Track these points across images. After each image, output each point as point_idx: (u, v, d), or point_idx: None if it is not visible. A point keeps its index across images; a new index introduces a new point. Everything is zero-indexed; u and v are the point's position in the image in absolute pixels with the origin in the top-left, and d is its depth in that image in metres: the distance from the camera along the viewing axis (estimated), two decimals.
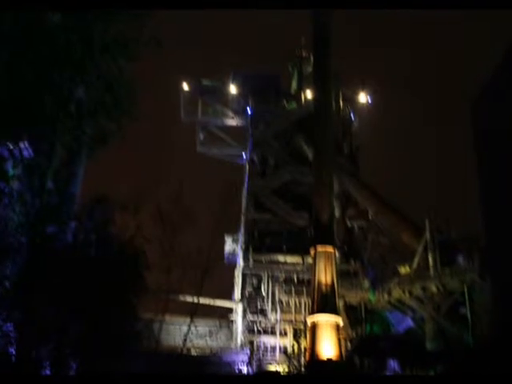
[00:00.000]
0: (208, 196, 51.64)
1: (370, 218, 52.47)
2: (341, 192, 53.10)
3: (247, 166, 58.58)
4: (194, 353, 45.97)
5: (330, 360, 36.07)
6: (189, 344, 42.23)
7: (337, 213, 50.13)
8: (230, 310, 51.81)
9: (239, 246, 54.39)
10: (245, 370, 42.86)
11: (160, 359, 36.01)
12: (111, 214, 21.17)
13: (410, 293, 42.24)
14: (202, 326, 45.89)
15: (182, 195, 39.49)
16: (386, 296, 43.85)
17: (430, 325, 40.98)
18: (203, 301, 46.05)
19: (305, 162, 54.58)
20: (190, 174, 65.84)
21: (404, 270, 44.23)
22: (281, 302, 49.83)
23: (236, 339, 49.36)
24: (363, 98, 62.02)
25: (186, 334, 40.80)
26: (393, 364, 35.58)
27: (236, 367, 42.57)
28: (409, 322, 44.47)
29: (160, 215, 38.67)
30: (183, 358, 40.81)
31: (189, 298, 43.18)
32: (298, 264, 51.00)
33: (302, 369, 42.15)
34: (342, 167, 53.75)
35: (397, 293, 42.99)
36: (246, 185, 56.42)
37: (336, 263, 40.57)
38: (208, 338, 47.06)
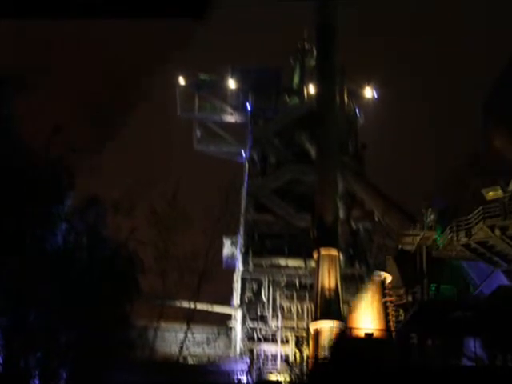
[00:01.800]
0: (206, 196, 51.76)
1: (376, 219, 52.39)
2: (345, 192, 53.02)
3: (247, 165, 58.54)
4: (190, 361, 46.03)
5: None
6: (185, 352, 42.29)
7: (341, 214, 50.05)
8: (229, 317, 51.78)
9: (238, 249, 54.35)
10: (244, 379, 42.85)
11: (155, 368, 36.07)
12: (104, 215, 21.18)
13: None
14: (199, 333, 45.93)
15: (177, 195, 39.81)
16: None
17: None
18: (200, 306, 46.08)
19: (307, 161, 54.46)
20: (186, 172, 65.58)
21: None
22: (282, 307, 49.79)
23: (235, 347, 49.33)
24: (369, 92, 61.94)
25: (183, 341, 40.91)
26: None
27: (235, 377, 42.57)
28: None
29: (155, 216, 38.88)
30: (179, 367, 40.89)
31: (185, 304, 43.27)
32: (300, 268, 50.95)
33: (304, 378, 42.13)
34: (346, 166, 53.67)
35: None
36: (245, 184, 56.37)
37: (340, 267, 40.48)
38: (205, 346, 47.11)
